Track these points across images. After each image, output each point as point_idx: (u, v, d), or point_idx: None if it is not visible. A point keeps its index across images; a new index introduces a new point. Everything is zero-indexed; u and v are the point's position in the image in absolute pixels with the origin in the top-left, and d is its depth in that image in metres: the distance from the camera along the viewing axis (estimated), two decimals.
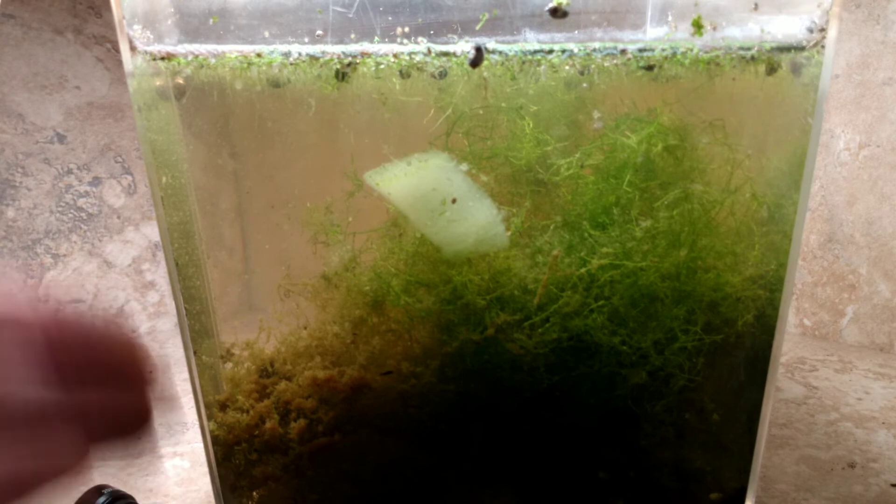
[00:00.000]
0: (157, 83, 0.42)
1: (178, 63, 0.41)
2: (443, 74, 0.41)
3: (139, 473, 0.65)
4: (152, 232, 1.12)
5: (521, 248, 0.45)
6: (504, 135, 0.44)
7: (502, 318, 0.45)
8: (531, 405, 0.47)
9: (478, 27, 0.41)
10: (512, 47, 0.41)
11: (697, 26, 0.41)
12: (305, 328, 0.48)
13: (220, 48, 0.41)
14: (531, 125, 0.43)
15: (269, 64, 0.41)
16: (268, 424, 0.48)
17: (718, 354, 0.47)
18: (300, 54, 0.41)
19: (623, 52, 0.41)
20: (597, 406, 0.48)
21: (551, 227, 0.45)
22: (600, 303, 0.45)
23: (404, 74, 0.41)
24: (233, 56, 0.41)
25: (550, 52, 0.41)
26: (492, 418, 0.48)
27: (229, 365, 0.49)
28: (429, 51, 0.41)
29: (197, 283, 0.47)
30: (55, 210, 1.02)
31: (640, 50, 0.41)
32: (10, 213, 0.98)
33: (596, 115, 0.43)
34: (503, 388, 0.47)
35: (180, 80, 0.42)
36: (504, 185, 0.45)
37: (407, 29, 0.41)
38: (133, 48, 0.41)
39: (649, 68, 0.42)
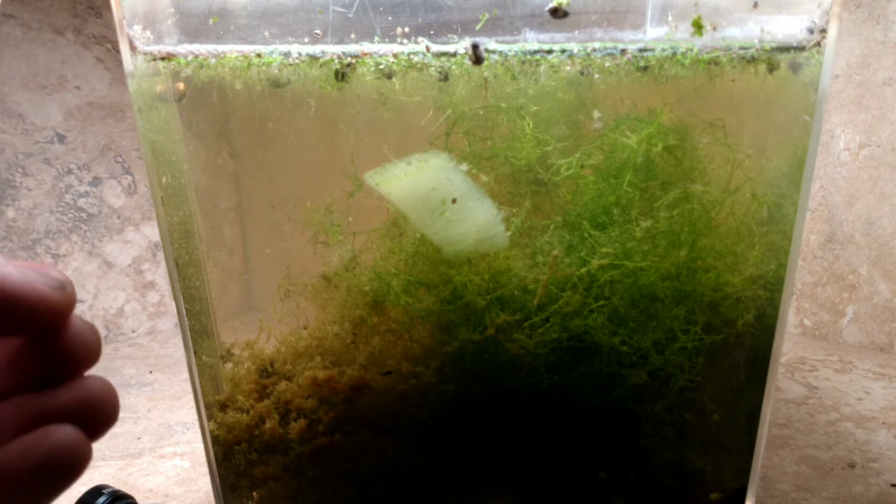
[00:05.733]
0: (159, 88, 0.42)
1: (179, 63, 0.41)
2: (444, 77, 0.42)
3: (139, 473, 0.65)
4: (152, 232, 1.12)
5: (521, 248, 0.45)
6: (504, 135, 0.44)
7: (502, 318, 0.45)
8: (531, 405, 0.47)
9: (478, 27, 0.41)
10: (512, 47, 0.41)
11: (697, 26, 0.41)
12: (305, 328, 0.48)
13: (220, 48, 0.41)
14: (531, 125, 0.43)
15: (269, 64, 0.41)
16: (268, 424, 0.48)
17: (718, 354, 0.47)
18: (300, 54, 0.41)
19: (623, 52, 0.41)
20: (597, 406, 0.48)
21: (551, 227, 0.45)
22: (600, 303, 0.45)
23: (389, 75, 0.41)
24: (233, 56, 0.41)
25: (550, 52, 0.41)
26: (492, 418, 0.48)
27: (229, 365, 0.49)
28: (427, 49, 0.41)
29: (197, 283, 0.47)
30: (55, 210, 1.02)
31: (641, 50, 0.41)
32: (10, 213, 0.98)
33: (596, 115, 0.43)
34: (503, 388, 0.47)
35: (181, 84, 0.42)
36: (504, 185, 0.45)
37: (407, 29, 0.41)
38: (133, 48, 0.41)
39: (644, 69, 0.42)
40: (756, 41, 0.41)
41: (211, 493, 0.59)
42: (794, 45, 0.42)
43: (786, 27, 0.42)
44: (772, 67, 0.42)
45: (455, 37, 0.41)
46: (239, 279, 0.49)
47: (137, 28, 0.41)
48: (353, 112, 0.43)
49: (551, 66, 0.42)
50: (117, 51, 1.04)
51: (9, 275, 0.21)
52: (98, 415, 0.24)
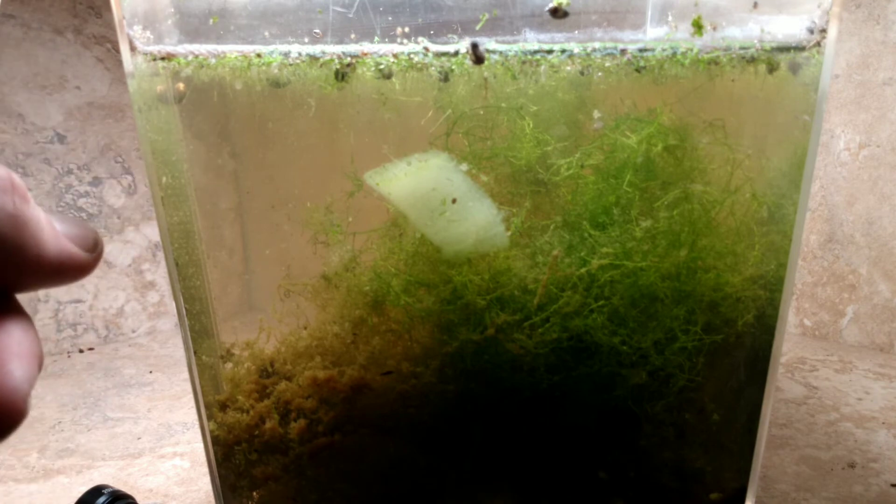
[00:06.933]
0: (159, 88, 0.42)
1: (179, 63, 0.41)
2: (444, 77, 0.41)
3: (139, 473, 0.65)
4: (152, 232, 1.12)
5: (521, 248, 0.45)
6: (504, 135, 0.44)
7: (502, 318, 0.45)
8: (531, 405, 0.47)
9: (478, 27, 0.41)
10: (512, 47, 0.41)
11: (697, 26, 0.41)
12: (305, 328, 0.48)
13: (220, 48, 0.41)
14: (531, 125, 0.43)
15: (269, 64, 0.41)
16: (268, 424, 0.48)
17: (718, 354, 0.47)
18: (300, 54, 0.41)
19: (623, 52, 0.41)
20: (597, 406, 0.48)
21: (551, 227, 0.45)
22: (600, 303, 0.45)
23: (389, 75, 0.41)
24: (233, 56, 0.41)
25: (550, 52, 0.41)
26: (492, 418, 0.48)
27: (229, 365, 0.49)
28: (426, 50, 0.41)
29: (197, 283, 0.47)
30: (55, 210, 1.02)
31: (641, 50, 0.41)
32: None
33: (596, 115, 0.43)
34: (503, 388, 0.47)
35: (180, 85, 0.42)
36: (504, 185, 0.45)
37: (407, 29, 0.41)
38: (133, 48, 0.41)
39: (640, 69, 0.41)
40: (756, 41, 0.41)
41: (211, 493, 0.59)
42: (794, 45, 0.42)
43: (786, 27, 0.42)
44: (772, 67, 0.42)
45: (455, 37, 0.41)
46: (239, 279, 0.49)
47: (137, 28, 0.41)
48: (353, 112, 0.43)
49: (551, 66, 0.42)
50: (117, 51, 1.04)
51: (47, 243, 0.21)
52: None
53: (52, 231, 0.21)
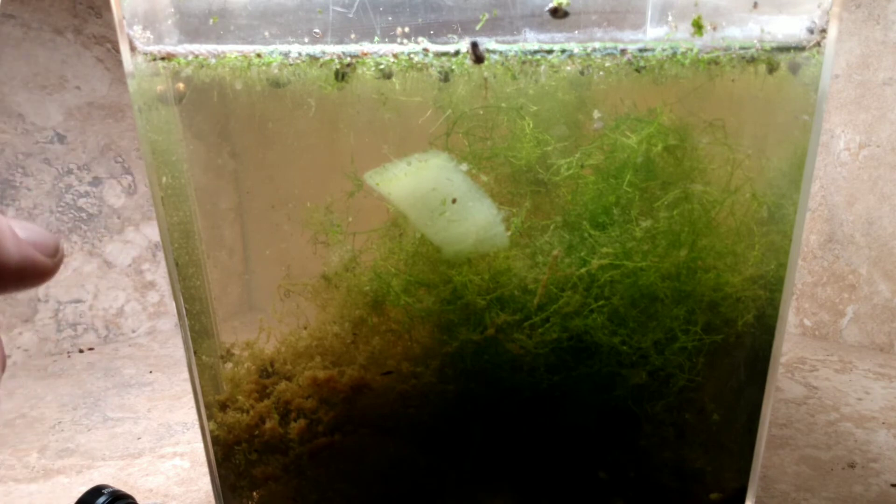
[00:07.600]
0: (159, 88, 0.42)
1: (179, 63, 0.41)
2: (444, 77, 0.42)
3: (139, 473, 0.65)
4: (152, 232, 1.12)
5: (521, 248, 0.45)
6: (504, 135, 0.44)
7: (502, 318, 0.45)
8: (531, 405, 0.47)
9: (478, 27, 0.41)
10: (512, 47, 0.41)
11: (697, 26, 0.41)
12: (305, 328, 0.48)
13: (220, 48, 0.41)
14: (531, 125, 0.43)
15: (269, 64, 0.41)
16: (268, 424, 0.48)
17: (718, 354, 0.47)
18: (300, 54, 0.41)
19: (623, 52, 0.41)
20: (597, 406, 0.48)
21: (551, 227, 0.45)
22: (600, 303, 0.45)
23: (389, 74, 0.41)
24: (233, 56, 0.41)
25: (550, 52, 0.41)
26: (492, 418, 0.48)
27: (229, 365, 0.49)
28: (426, 51, 0.41)
29: (197, 283, 0.47)
30: (55, 210, 1.02)
31: (641, 50, 0.41)
32: (10, 213, 0.98)
33: (596, 115, 0.43)
34: (503, 388, 0.47)
35: (180, 85, 0.42)
36: (504, 185, 0.45)
37: (407, 29, 0.41)
38: (133, 48, 0.41)
39: (640, 69, 0.42)
40: (756, 41, 0.41)
41: (211, 493, 0.59)
42: (794, 45, 0.42)
43: (786, 27, 0.42)
44: (772, 67, 0.42)
45: (455, 37, 0.41)
46: (239, 279, 0.49)
47: (137, 28, 0.41)
48: (353, 112, 0.43)
49: (551, 66, 0.42)
50: (117, 51, 1.04)
51: (9, 249, 0.21)
52: None
53: (14, 237, 0.22)
